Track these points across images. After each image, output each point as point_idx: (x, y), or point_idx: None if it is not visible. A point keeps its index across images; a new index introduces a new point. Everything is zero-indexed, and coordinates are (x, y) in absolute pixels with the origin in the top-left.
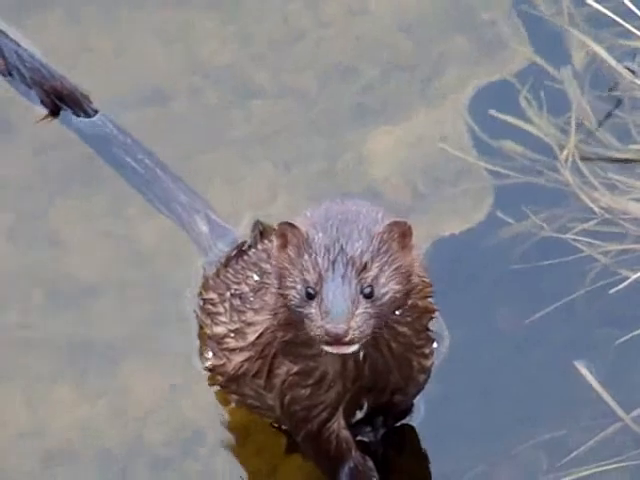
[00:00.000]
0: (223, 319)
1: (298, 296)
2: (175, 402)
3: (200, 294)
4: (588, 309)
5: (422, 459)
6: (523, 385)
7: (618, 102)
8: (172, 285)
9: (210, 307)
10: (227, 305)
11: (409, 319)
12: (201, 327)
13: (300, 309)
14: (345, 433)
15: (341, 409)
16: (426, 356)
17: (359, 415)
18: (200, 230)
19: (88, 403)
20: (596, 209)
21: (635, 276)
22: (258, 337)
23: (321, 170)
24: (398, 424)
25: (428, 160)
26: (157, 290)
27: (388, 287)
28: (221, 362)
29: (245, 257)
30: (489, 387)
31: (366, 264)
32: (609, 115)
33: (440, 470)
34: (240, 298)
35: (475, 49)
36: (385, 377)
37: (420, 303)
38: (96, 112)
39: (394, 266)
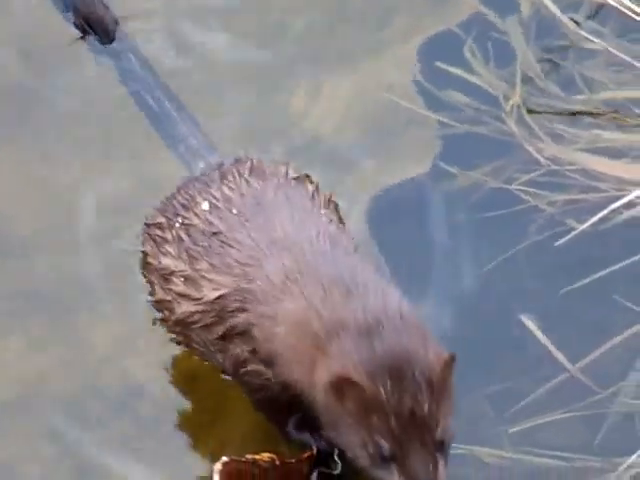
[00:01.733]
0: (170, 250)
1: (370, 458)
2: (125, 351)
3: (148, 220)
4: (535, 260)
5: None
6: (469, 337)
7: (563, 53)
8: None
9: (157, 232)
10: (175, 234)
11: None
12: (146, 258)
13: (373, 471)
14: None
15: None
16: None
17: None
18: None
19: (39, 354)
20: (542, 160)
21: (582, 227)
22: (218, 298)
23: (266, 121)
24: None
25: (374, 110)
26: (102, 242)
27: (450, 427)
28: (167, 298)
29: (198, 183)
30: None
31: (437, 420)
32: (554, 66)
33: None
34: (189, 235)
35: None
36: None
37: None
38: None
39: (449, 401)
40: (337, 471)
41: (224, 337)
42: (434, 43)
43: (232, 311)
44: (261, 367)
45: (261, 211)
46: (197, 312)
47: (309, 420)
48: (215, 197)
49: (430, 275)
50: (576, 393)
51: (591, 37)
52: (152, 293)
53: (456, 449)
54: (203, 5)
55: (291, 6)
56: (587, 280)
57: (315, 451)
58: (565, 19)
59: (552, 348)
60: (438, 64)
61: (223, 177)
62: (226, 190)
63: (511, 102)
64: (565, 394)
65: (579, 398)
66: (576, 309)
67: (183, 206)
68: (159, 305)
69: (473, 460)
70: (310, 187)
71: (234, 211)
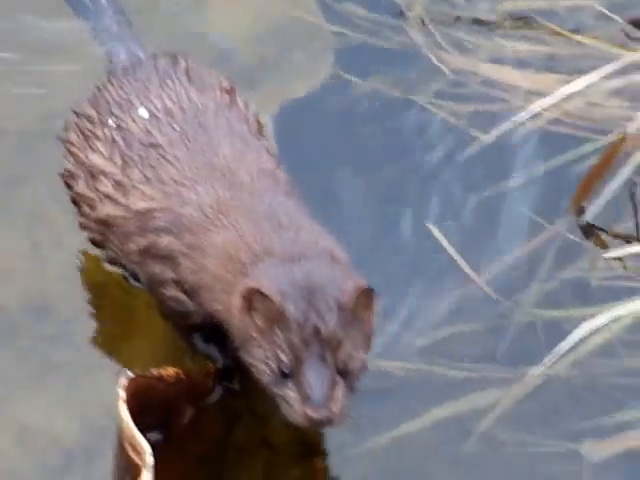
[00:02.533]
0: (102, 148)
1: (271, 373)
2: (33, 262)
3: (77, 110)
4: (440, 172)
5: None
6: (372, 252)
7: None
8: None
9: (87, 124)
10: (108, 133)
11: None
12: (70, 147)
13: (273, 387)
14: None
15: None
16: None
17: None
18: (119, 59)
19: None
20: (446, 70)
21: (486, 138)
22: (145, 211)
23: (166, 39)
24: None
25: (275, 24)
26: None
27: (359, 357)
28: (91, 195)
29: (134, 80)
30: None
31: (340, 341)
32: None
33: None
34: (124, 139)
35: None
36: None
37: None
38: None
39: (362, 334)
40: (238, 386)
41: (145, 252)
42: None
43: (157, 229)
44: (181, 295)
45: (203, 133)
46: (121, 217)
47: (216, 334)
48: (155, 106)
49: (333, 186)
50: (480, 304)
51: None
52: (71, 185)
53: None
54: None
55: None
56: (491, 191)
57: (220, 365)
58: None
59: (458, 259)
60: None
61: (162, 82)
62: (167, 101)
63: (413, 11)
64: (470, 306)
65: (483, 309)
66: (480, 220)
67: (118, 105)
68: (80, 198)
69: (380, 373)
70: (241, 103)
71: (175, 127)
